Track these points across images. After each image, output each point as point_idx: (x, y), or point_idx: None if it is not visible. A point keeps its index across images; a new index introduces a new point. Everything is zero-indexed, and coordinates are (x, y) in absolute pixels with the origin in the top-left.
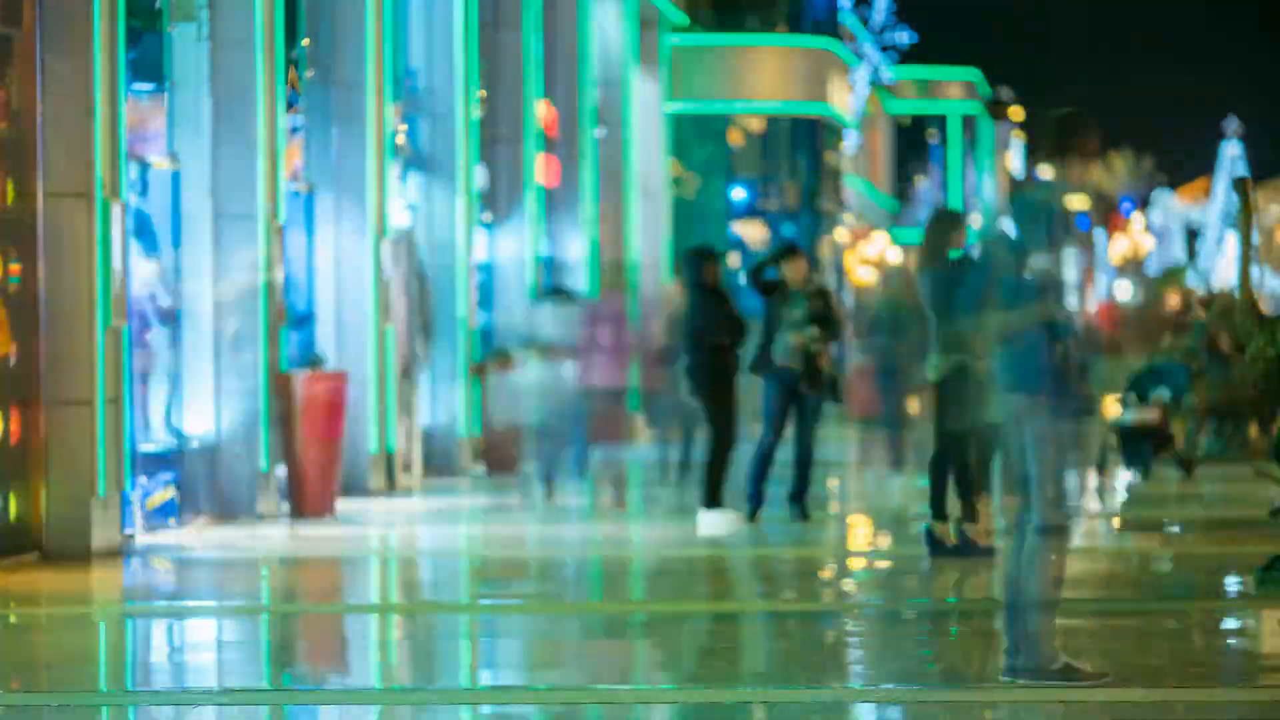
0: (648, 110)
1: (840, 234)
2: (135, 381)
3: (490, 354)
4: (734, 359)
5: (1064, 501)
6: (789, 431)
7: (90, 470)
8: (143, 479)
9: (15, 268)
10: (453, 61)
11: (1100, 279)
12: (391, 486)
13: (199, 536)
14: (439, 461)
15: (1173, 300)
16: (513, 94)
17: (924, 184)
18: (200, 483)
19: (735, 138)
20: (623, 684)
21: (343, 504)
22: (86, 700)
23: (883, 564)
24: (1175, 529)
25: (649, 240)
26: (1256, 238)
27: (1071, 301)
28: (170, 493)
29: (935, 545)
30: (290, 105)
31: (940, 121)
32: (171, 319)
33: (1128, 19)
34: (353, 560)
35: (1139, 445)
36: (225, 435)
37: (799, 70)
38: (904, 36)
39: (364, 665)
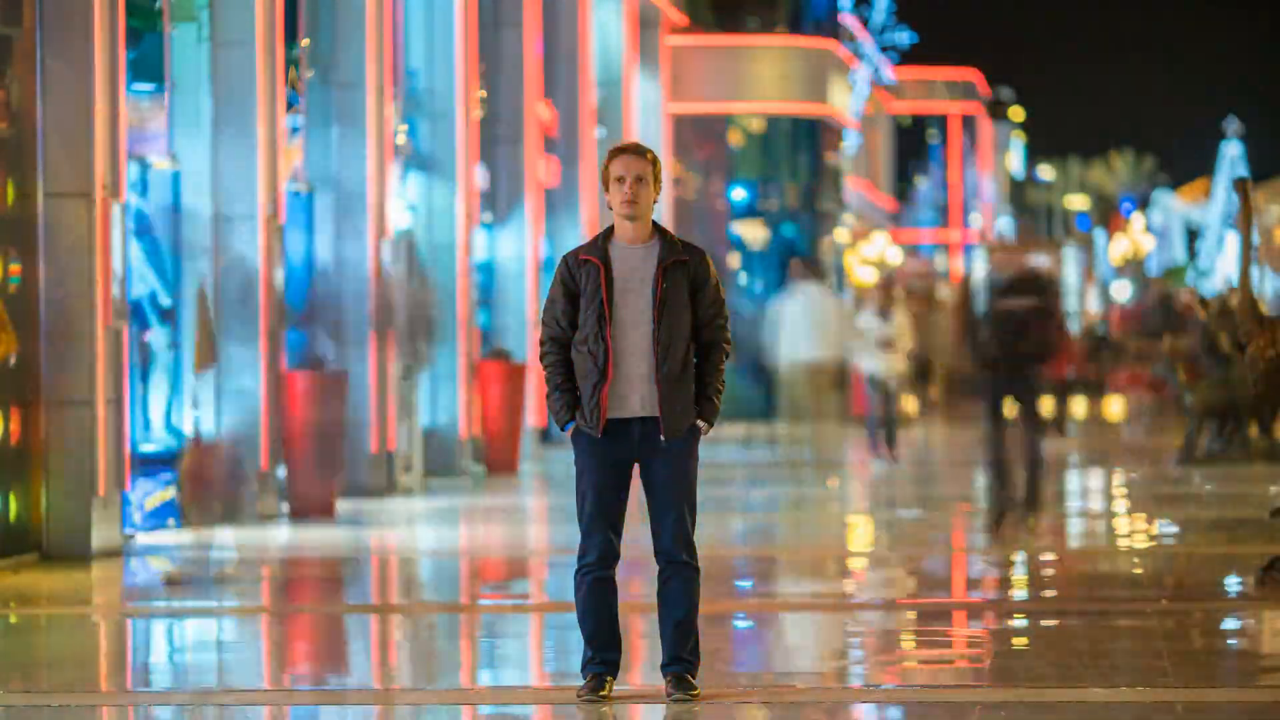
0: (648, 110)
1: (840, 234)
2: (135, 381)
3: (490, 353)
4: None
5: None
6: None
7: (90, 470)
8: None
9: (15, 268)
10: (453, 61)
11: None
12: (391, 486)
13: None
14: (439, 461)
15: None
16: (513, 94)
17: (924, 184)
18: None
19: (735, 138)
20: (619, 683)
21: (343, 504)
22: (86, 700)
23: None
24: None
25: None
26: (1256, 238)
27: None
28: (170, 493)
29: None
30: (290, 105)
31: (940, 121)
32: (172, 319)
33: (1128, 19)
34: (353, 560)
35: None
36: (225, 435)
37: (799, 70)
38: (904, 36)
39: (364, 665)
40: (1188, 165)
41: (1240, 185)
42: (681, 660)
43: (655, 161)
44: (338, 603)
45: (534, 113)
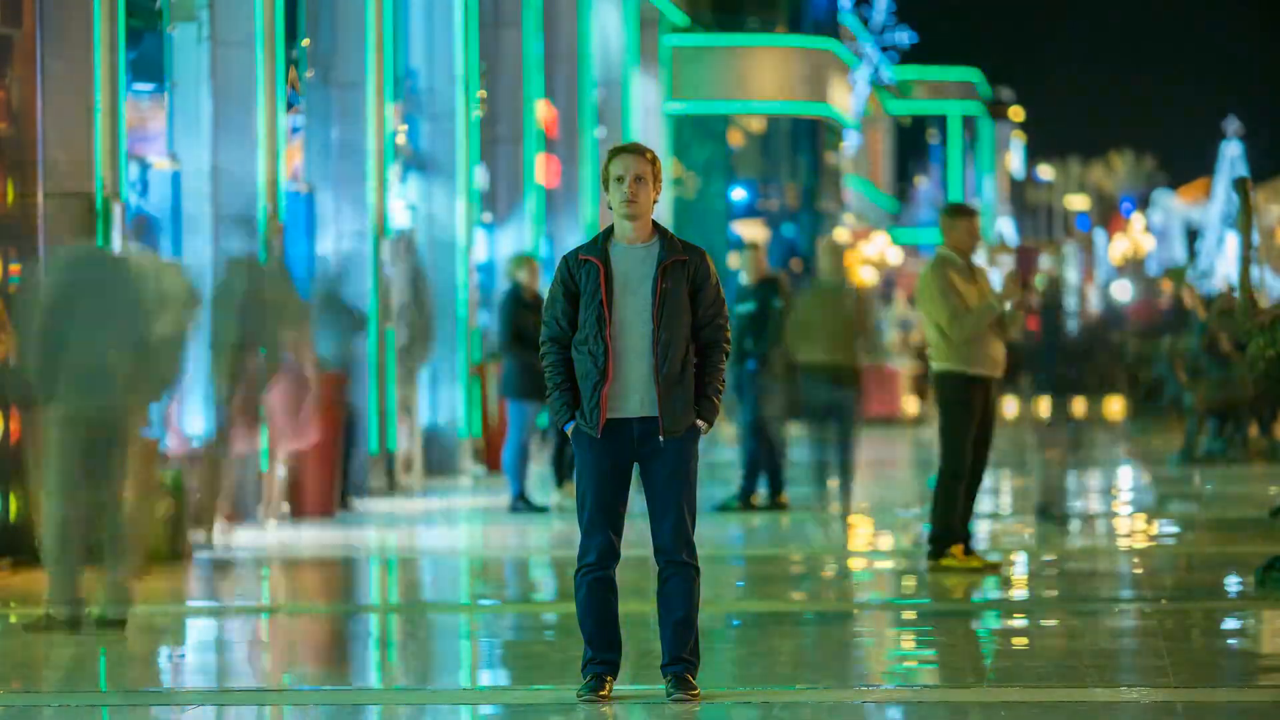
0: (648, 110)
1: (840, 234)
2: None
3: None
4: None
5: None
6: None
7: None
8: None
9: (15, 268)
10: (453, 61)
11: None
12: (392, 486)
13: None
14: (439, 461)
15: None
16: (513, 94)
17: (924, 184)
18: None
19: (735, 138)
20: (620, 683)
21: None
22: (86, 700)
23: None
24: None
25: None
26: (1256, 238)
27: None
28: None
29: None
30: (290, 105)
31: (940, 121)
32: None
33: (1128, 19)
34: (353, 560)
35: None
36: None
37: (799, 70)
38: (904, 36)
39: (364, 665)
40: (1188, 165)
41: (1240, 185)
42: (681, 660)
43: (655, 161)
44: (338, 603)
45: (534, 113)
